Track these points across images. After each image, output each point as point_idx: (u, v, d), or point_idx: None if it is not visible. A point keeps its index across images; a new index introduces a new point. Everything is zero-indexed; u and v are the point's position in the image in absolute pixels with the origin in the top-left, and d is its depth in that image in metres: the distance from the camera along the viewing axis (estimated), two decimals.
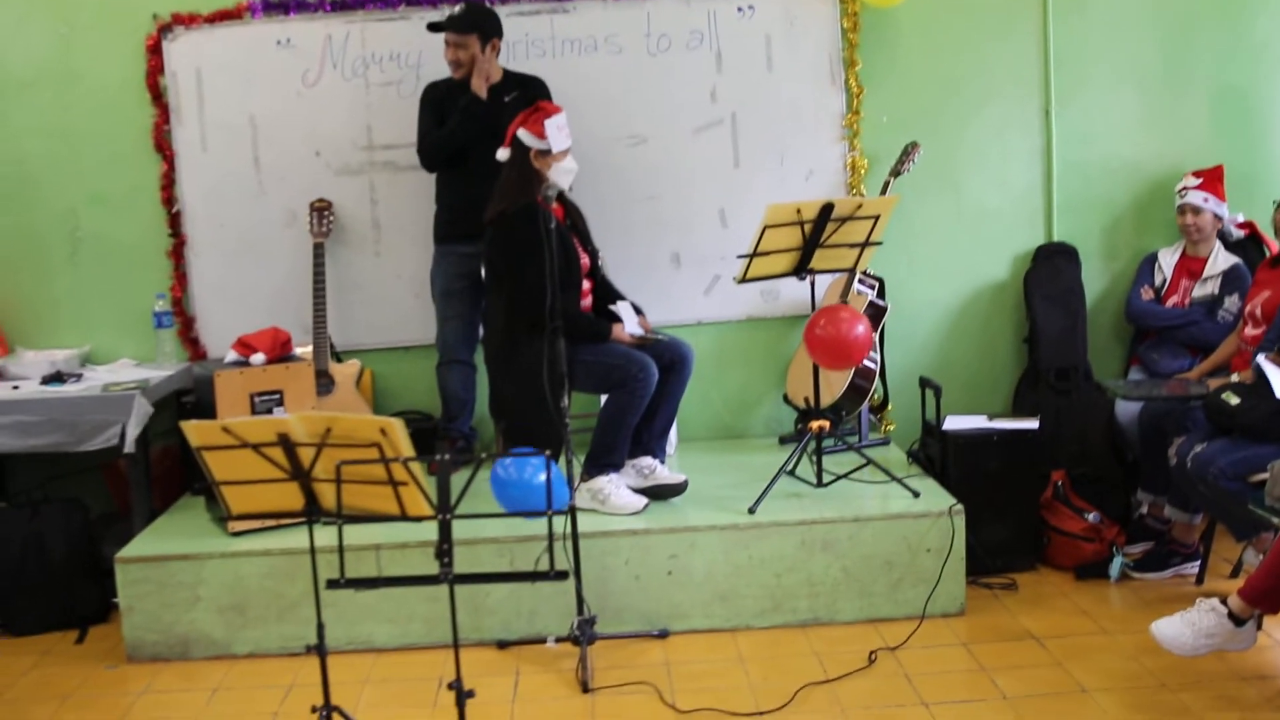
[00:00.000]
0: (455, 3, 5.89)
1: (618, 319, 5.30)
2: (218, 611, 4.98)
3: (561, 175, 5.11)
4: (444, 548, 3.17)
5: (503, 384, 5.17)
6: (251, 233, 6.10)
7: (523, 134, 5.12)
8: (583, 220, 5.45)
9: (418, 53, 5.98)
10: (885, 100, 6.17)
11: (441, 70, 5.78)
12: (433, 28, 5.62)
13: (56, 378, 5.62)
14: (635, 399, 5.08)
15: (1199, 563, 5.36)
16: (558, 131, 5.09)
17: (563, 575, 3.19)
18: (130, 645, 5.00)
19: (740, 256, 5.10)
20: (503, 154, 5.18)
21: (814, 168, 6.18)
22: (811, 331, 5.20)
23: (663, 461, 5.36)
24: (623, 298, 5.45)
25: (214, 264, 6.12)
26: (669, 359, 5.25)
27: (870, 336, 5.26)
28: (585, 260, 5.33)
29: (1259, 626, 4.16)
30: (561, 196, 5.23)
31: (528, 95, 5.61)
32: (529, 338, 4.96)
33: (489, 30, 5.62)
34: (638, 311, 5.40)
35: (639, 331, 5.29)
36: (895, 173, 5.91)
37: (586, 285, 5.34)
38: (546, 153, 5.11)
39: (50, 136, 6.03)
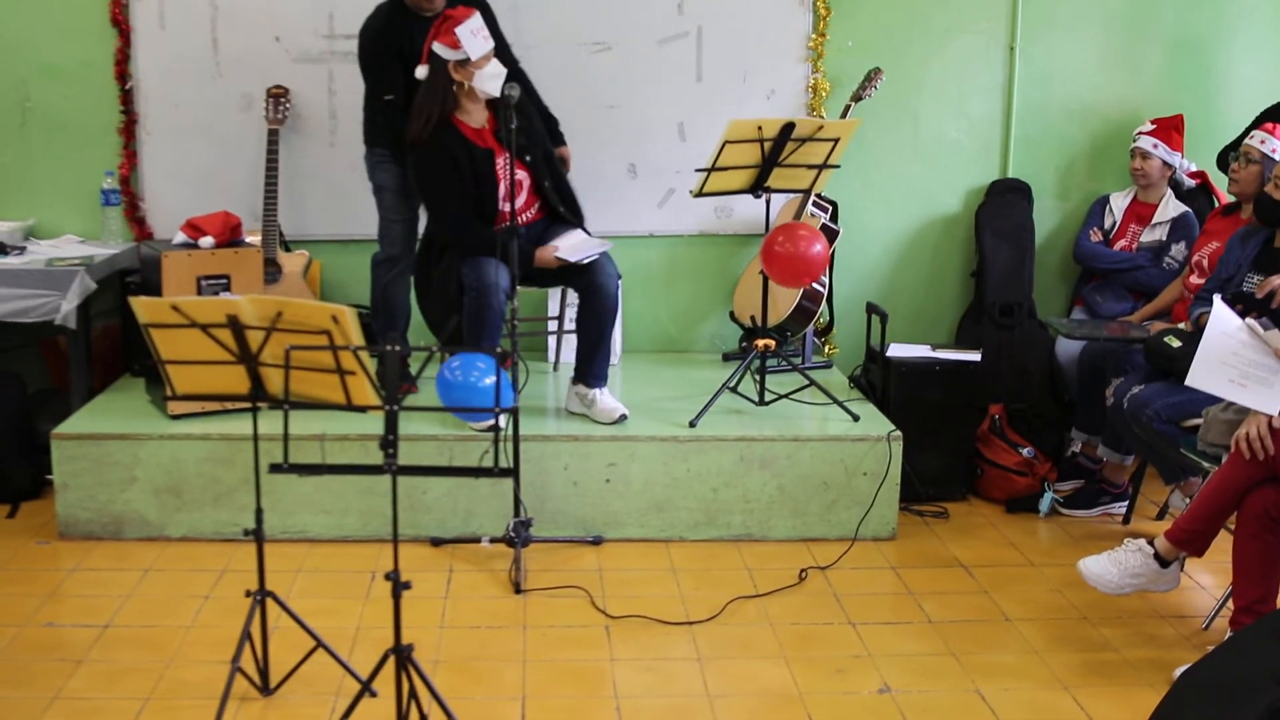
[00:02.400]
0: None
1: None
2: (153, 493, 4.97)
3: (486, 82, 4.93)
4: (389, 439, 3.17)
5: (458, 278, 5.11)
6: (205, 115, 6.00)
7: (438, 47, 4.93)
8: (534, 128, 5.24)
9: None
10: (852, 24, 6.14)
11: None
12: None
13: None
14: (473, 314, 4.98)
15: (1127, 503, 5.46)
16: (472, 37, 4.89)
17: (507, 472, 3.20)
18: (63, 522, 4.99)
19: (698, 170, 5.08)
20: (421, 71, 5.01)
21: (776, 87, 6.15)
22: (770, 247, 5.21)
23: (602, 387, 5.25)
24: (580, 222, 5.33)
25: (165, 144, 6.03)
26: (582, 284, 5.17)
27: (826, 256, 5.28)
28: (520, 177, 5.14)
29: (1182, 568, 4.24)
30: (498, 104, 4.97)
31: None
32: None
33: None
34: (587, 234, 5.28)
35: (570, 257, 5.08)
36: (856, 98, 5.90)
37: (523, 202, 5.18)
38: (466, 62, 4.93)
39: (4, 2, 5.89)
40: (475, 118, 5.08)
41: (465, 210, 5.05)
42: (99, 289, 5.53)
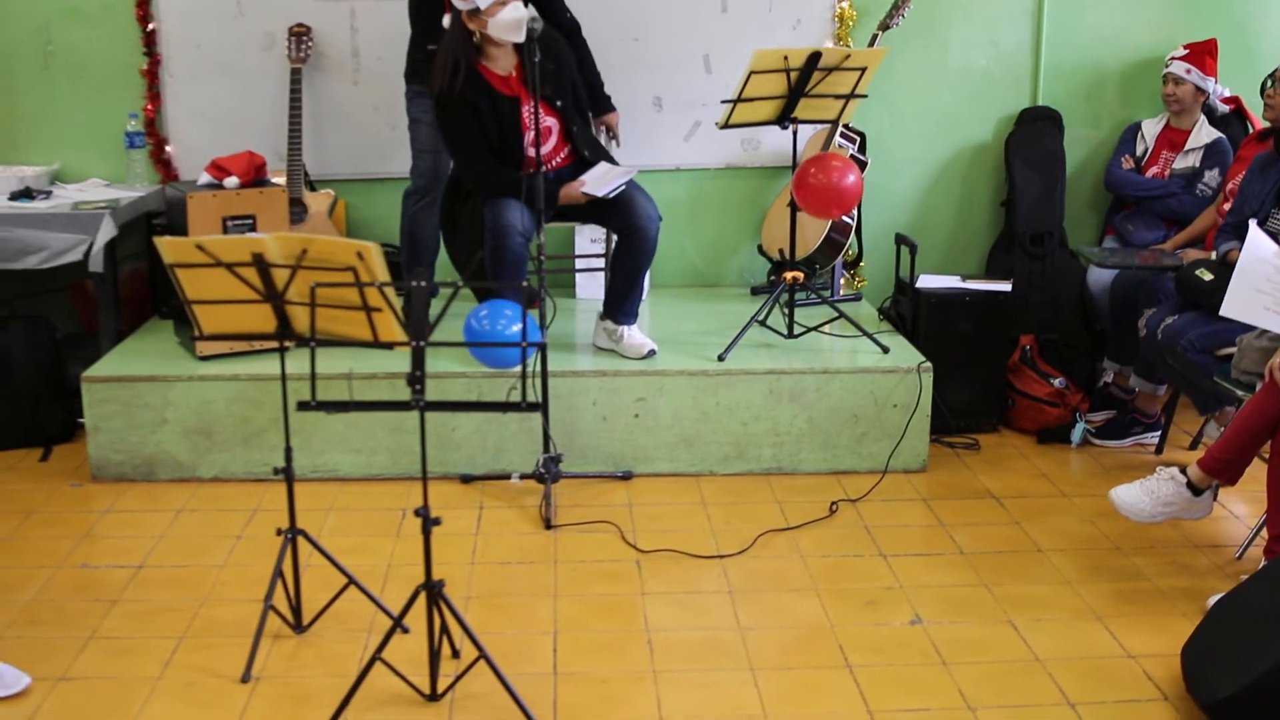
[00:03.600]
0: None
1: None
2: (184, 434, 4.98)
3: (504, 30, 4.78)
4: (416, 375, 3.16)
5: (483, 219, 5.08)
6: (228, 55, 5.97)
7: None
8: (561, 74, 5.12)
9: None
10: None
11: None
12: None
13: (26, 194, 5.56)
14: (490, 256, 4.95)
15: (1159, 433, 5.42)
16: None
17: (535, 406, 3.19)
18: (95, 465, 5.01)
19: (724, 101, 5.03)
20: (447, 21, 4.91)
21: (802, 17, 6.08)
22: (804, 179, 5.16)
23: (631, 324, 5.21)
24: (611, 159, 5.27)
25: (189, 86, 6.00)
26: (622, 225, 5.12)
27: (860, 186, 5.23)
28: (549, 124, 5.10)
29: (1215, 497, 4.21)
30: (525, 48, 4.68)
31: None
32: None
33: None
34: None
35: (596, 191, 4.98)
36: (884, 26, 5.81)
37: (548, 150, 5.10)
38: (476, 11, 4.79)
39: None
40: (501, 64, 5.00)
41: (487, 157, 5.00)
42: (126, 232, 5.53)
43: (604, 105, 5.66)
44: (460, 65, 4.88)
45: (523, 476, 4.90)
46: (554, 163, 5.15)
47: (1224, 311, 4.02)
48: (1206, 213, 5.54)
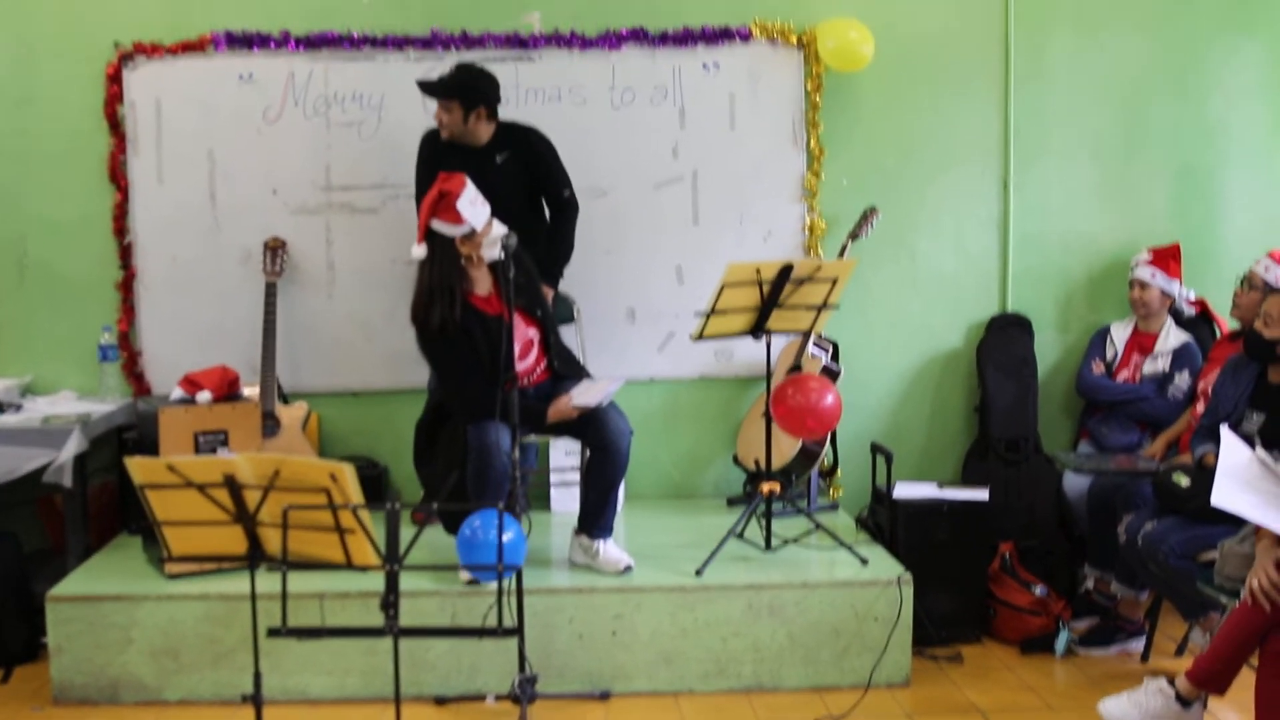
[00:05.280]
0: (420, 48, 5.88)
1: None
2: (150, 655, 4.86)
3: (490, 249, 4.88)
4: (390, 599, 3.10)
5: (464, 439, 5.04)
6: (204, 269, 6.01)
7: (439, 225, 4.86)
8: (532, 284, 5.22)
9: (380, 94, 5.94)
10: (846, 163, 6.18)
11: (408, 115, 5.79)
12: (422, 88, 5.44)
13: None
14: (475, 475, 4.89)
15: (1144, 639, 5.35)
16: (473, 207, 4.83)
17: (512, 632, 3.13)
18: (58, 687, 4.87)
19: (698, 314, 5.06)
20: (419, 251, 4.92)
21: (773, 228, 6.16)
22: (782, 401, 5.17)
23: (606, 538, 5.15)
24: (586, 373, 5.31)
25: (163, 299, 6.03)
26: (595, 440, 5.08)
27: (839, 405, 5.24)
28: (531, 335, 5.15)
29: (1204, 707, 4.14)
30: (501, 264, 4.84)
31: (519, 155, 5.54)
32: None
33: (471, 100, 5.39)
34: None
35: (586, 403, 4.98)
36: (853, 236, 5.91)
37: (530, 363, 5.13)
38: (471, 234, 4.89)
39: (3, 159, 5.95)
40: (481, 285, 5.04)
41: (478, 382, 4.98)
42: (97, 446, 5.48)
43: (550, 280, 5.65)
44: (456, 294, 4.91)
45: (498, 697, 4.78)
46: (534, 376, 5.15)
47: (1215, 501, 3.99)
48: (1184, 418, 5.56)
